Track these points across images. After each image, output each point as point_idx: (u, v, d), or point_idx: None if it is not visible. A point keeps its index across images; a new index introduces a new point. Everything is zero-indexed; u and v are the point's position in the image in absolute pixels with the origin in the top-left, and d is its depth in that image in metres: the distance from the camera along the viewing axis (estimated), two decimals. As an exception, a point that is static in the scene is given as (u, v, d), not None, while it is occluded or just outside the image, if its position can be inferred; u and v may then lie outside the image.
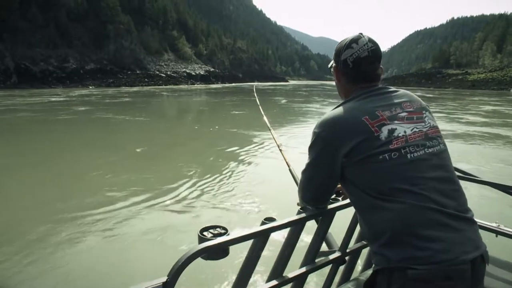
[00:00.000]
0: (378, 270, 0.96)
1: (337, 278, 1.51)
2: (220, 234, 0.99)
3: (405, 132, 0.98)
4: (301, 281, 1.31)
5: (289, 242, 1.22)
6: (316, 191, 1.16)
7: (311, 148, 1.09)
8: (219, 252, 0.96)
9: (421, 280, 0.87)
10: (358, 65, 1.08)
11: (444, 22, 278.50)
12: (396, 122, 0.99)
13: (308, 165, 1.12)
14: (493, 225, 1.54)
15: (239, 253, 1.12)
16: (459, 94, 43.07)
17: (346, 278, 1.53)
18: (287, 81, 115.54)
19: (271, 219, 1.14)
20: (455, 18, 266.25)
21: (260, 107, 2.57)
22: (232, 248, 0.98)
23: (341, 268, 1.50)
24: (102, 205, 4.44)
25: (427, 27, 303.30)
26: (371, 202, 0.97)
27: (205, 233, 1.00)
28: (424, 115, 1.06)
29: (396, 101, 1.05)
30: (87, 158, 7.25)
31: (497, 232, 1.52)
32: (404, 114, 1.02)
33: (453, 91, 51.77)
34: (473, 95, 40.70)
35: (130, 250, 3.51)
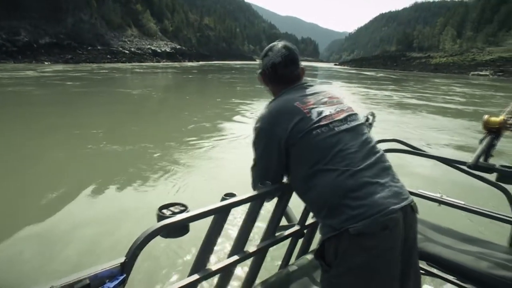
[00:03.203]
0: (325, 240, 1.05)
1: (296, 251, 1.56)
2: (179, 212, 0.98)
3: (330, 112, 1.15)
4: (262, 254, 1.35)
5: (249, 217, 1.22)
6: (269, 181, 1.23)
7: (255, 143, 1.20)
8: (179, 229, 0.95)
9: (361, 234, 0.97)
10: (275, 70, 1.25)
11: (408, 6, 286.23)
12: (321, 105, 1.16)
13: (256, 160, 1.23)
14: (437, 195, 1.69)
15: (200, 230, 1.08)
16: (426, 76, 44.65)
17: (304, 250, 1.57)
18: (255, 60, 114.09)
19: (231, 195, 1.14)
20: (418, 2, 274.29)
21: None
22: (193, 225, 0.98)
23: (300, 241, 1.54)
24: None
25: (392, 10, 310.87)
26: (308, 180, 1.08)
27: (164, 210, 0.99)
28: (341, 99, 1.25)
29: (317, 91, 1.23)
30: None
31: (440, 202, 1.67)
32: (326, 99, 1.20)
33: (418, 74, 53.62)
34: (438, 77, 42.35)
35: (83, 232, 3.12)
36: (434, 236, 1.58)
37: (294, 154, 1.12)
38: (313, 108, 1.14)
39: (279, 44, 1.27)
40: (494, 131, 1.59)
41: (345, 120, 1.15)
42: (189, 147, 6.25)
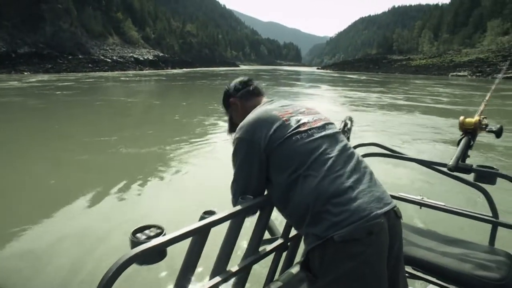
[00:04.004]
0: (310, 250, 1.02)
1: (281, 264, 1.52)
2: (155, 235, 0.89)
3: (308, 120, 1.17)
4: (246, 273, 1.28)
5: (230, 234, 1.16)
6: (251, 194, 1.17)
7: (235, 154, 1.18)
8: (155, 255, 0.86)
9: (346, 240, 0.95)
10: (245, 83, 1.38)
11: (386, 10, 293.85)
12: (299, 114, 1.19)
13: (236, 173, 1.19)
14: (418, 198, 1.71)
15: (178, 252, 1.01)
16: (408, 78, 45.63)
17: (289, 264, 1.52)
18: (238, 66, 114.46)
19: (210, 213, 1.06)
20: (396, 6, 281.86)
21: None
22: (170, 248, 0.91)
23: (284, 254, 1.50)
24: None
25: (371, 14, 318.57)
26: (288, 189, 1.06)
27: (138, 235, 0.89)
28: (317, 110, 1.29)
29: (293, 103, 1.28)
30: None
31: (421, 204, 1.70)
32: (303, 109, 1.24)
33: (400, 76, 54.73)
34: (420, 79, 43.34)
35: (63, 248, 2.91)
36: (416, 239, 1.59)
37: (274, 162, 1.11)
38: (291, 116, 1.16)
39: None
40: (470, 132, 1.60)
41: (323, 127, 1.17)
42: (196, 151, 6.21)
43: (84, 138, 7.23)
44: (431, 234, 1.66)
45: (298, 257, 1.49)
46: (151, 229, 0.91)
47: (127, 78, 34.15)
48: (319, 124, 1.17)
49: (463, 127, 1.62)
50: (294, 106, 1.24)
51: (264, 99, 1.35)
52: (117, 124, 9.53)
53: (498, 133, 1.58)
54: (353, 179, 1.04)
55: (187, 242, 1.00)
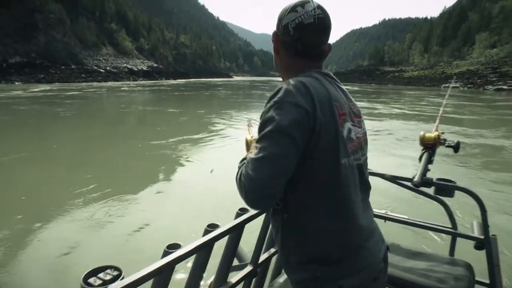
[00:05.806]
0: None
1: None
2: (111, 279, 0.75)
3: (355, 135, 0.90)
4: None
5: (196, 267, 1.07)
6: (278, 183, 0.79)
7: (271, 119, 0.78)
8: None
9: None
10: (300, 33, 0.88)
11: (377, 22, 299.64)
12: (349, 122, 0.89)
13: (265, 145, 0.77)
14: (382, 212, 1.74)
15: None
16: (402, 89, 46.13)
17: None
18: (231, 77, 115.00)
19: (175, 246, 0.95)
20: (386, 19, 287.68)
21: None
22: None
23: (254, 280, 1.45)
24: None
25: (362, 27, 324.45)
26: (308, 212, 0.86)
27: (91, 280, 0.75)
28: (361, 119, 0.97)
29: (347, 97, 0.95)
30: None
31: (386, 218, 1.72)
32: (352, 112, 0.92)
33: (393, 87, 55.29)
34: (414, 90, 43.87)
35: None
36: None
37: (306, 167, 0.81)
38: (346, 121, 0.87)
39: (313, 2, 0.88)
40: (430, 147, 1.64)
41: (361, 150, 0.92)
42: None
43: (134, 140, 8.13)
44: (395, 248, 1.68)
45: (267, 282, 1.53)
46: (107, 271, 0.78)
47: (129, 88, 34.15)
48: (358, 146, 0.91)
49: (424, 142, 1.64)
50: (349, 104, 0.91)
51: (315, 65, 0.94)
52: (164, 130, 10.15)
53: (456, 148, 1.64)
54: (365, 226, 0.91)
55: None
